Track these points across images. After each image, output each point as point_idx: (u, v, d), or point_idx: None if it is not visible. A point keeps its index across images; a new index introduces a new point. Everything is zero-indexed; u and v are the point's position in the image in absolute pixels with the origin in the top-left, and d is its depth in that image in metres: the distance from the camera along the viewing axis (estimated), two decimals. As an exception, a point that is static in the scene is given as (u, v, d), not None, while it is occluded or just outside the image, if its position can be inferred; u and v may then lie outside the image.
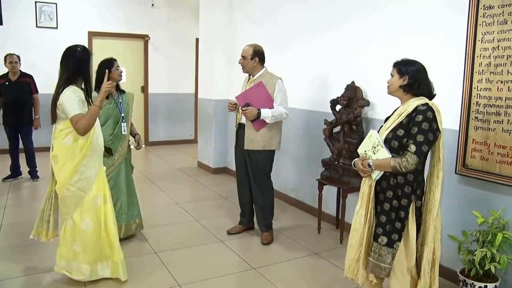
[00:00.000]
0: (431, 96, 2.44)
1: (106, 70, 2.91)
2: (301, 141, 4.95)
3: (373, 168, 2.40)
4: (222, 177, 6.54)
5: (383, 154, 2.37)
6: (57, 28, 7.77)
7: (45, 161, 6.57)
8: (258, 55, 3.84)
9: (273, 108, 3.77)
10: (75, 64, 2.87)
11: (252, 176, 3.95)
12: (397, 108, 2.51)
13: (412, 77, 2.39)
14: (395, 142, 2.37)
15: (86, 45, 7.83)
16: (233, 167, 6.52)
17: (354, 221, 2.53)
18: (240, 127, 3.93)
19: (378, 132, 2.45)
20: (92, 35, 8.04)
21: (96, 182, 2.96)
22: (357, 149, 2.61)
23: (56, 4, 7.71)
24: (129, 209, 3.83)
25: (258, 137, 3.80)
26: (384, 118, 2.60)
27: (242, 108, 3.72)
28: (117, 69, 3.65)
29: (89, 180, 2.93)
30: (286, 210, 4.92)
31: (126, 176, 3.81)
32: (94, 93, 3.58)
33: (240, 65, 3.92)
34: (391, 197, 2.41)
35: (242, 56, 3.86)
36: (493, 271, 2.74)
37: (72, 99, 2.80)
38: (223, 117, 6.64)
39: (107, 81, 2.94)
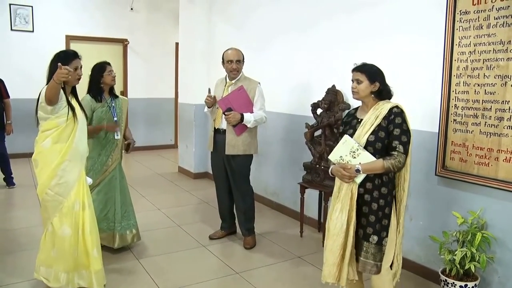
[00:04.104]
0: (391, 97, 2.58)
1: (59, 64, 2.63)
2: (282, 145, 4.96)
3: (361, 172, 2.41)
4: (203, 182, 6.50)
5: (367, 157, 2.40)
6: (33, 31, 7.63)
7: (21, 168, 6.48)
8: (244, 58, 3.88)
9: (252, 112, 3.78)
10: (53, 68, 2.77)
11: (233, 181, 3.93)
12: (356, 112, 2.62)
13: (382, 84, 2.52)
14: (379, 144, 2.43)
15: (64, 49, 7.82)
16: (214, 171, 6.51)
17: (333, 226, 2.49)
18: (218, 132, 3.88)
19: (352, 137, 2.47)
20: (69, 39, 7.92)
21: (75, 187, 2.89)
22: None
23: (32, 7, 7.56)
24: (124, 218, 3.72)
25: (239, 142, 3.78)
26: (342, 123, 2.69)
27: (225, 113, 3.69)
28: (110, 74, 3.60)
29: (68, 185, 2.85)
30: (268, 214, 4.92)
31: (120, 183, 3.72)
32: (87, 96, 3.55)
33: (234, 70, 3.80)
34: (378, 196, 2.46)
35: (238, 60, 3.79)
36: (473, 270, 2.79)
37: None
38: (204, 122, 6.61)
39: (62, 73, 2.58)
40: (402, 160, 2.40)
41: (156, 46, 8.78)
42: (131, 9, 8.41)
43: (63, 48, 7.76)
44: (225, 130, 3.81)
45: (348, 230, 2.47)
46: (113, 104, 3.65)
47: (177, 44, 8.04)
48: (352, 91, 2.56)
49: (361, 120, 2.52)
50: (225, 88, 3.89)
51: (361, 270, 2.52)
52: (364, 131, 2.46)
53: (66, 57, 2.83)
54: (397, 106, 2.46)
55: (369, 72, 2.52)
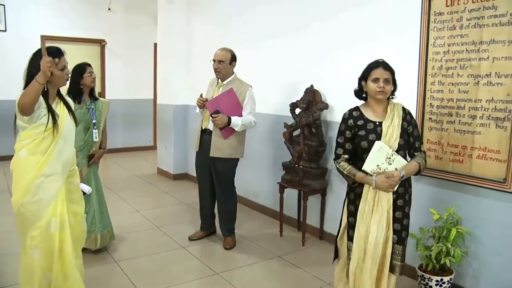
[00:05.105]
0: None
1: (43, 41, 2.47)
2: (262, 145, 4.97)
3: (404, 178, 2.40)
4: (182, 183, 6.46)
5: (400, 162, 2.39)
6: (5, 30, 7.43)
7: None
8: (235, 59, 3.82)
9: (241, 115, 3.75)
10: (32, 69, 2.47)
11: (217, 182, 3.92)
12: (361, 112, 2.50)
13: (395, 83, 2.50)
14: (407, 146, 2.47)
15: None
16: (193, 173, 6.46)
17: (373, 239, 2.38)
18: (205, 133, 3.85)
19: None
20: (45, 39, 7.76)
21: (52, 205, 2.48)
22: (363, 167, 2.40)
23: (4, 5, 7.37)
24: (102, 219, 3.70)
25: (225, 145, 3.75)
26: (348, 126, 2.50)
27: (212, 115, 3.64)
28: (90, 75, 3.53)
29: (42, 204, 2.45)
30: (248, 214, 4.92)
31: (96, 184, 3.68)
32: (67, 98, 3.40)
33: (215, 70, 3.77)
34: (408, 199, 2.51)
35: (219, 60, 3.73)
36: (448, 265, 2.86)
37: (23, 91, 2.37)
38: (183, 123, 6.58)
39: (47, 61, 2.29)
40: (426, 159, 2.49)
41: (134, 46, 8.68)
42: (109, 9, 8.30)
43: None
44: (211, 131, 3.77)
45: (387, 240, 2.42)
46: (92, 107, 3.60)
47: (155, 44, 7.97)
48: (379, 92, 2.40)
49: (379, 122, 2.43)
50: (216, 89, 3.85)
51: (397, 274, 2.52)
52: (395, 135, 2.39)
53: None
54: (403, 105, 2.50)
55: (393, 71, 2.46)
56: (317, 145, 3.97)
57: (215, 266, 3.56)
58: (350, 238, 2.54)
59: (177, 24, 6.44)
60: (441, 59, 3.06)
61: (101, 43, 8.36)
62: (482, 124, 2.85)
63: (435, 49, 3.10)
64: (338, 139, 2.55)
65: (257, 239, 4.18)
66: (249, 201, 5.17)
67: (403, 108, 2.48)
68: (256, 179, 5.09)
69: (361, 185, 2.46)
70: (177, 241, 4.08)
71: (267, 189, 4.88)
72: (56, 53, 2.44)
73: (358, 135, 2.45)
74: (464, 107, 2.95)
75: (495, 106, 2.78)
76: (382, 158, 2.36)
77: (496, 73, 2.76)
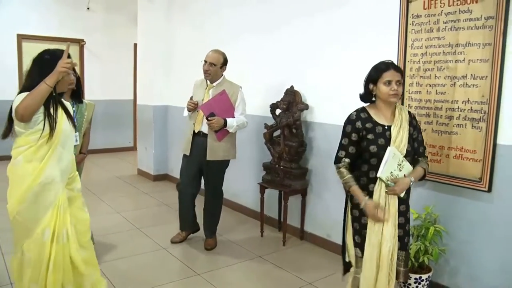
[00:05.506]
0: None
1: (68, 43, 2.34)
2: (242, 145, 4.96)
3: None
4: (162, 184, 6.42)
5: (408, 168, 2.37)
6: (-20, 29, 7.29)
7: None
8: (226, 63, 3.77)
9: (234, 117, 3.73)
10: (35, 72, 2.36)
11: (207, 184, 3.90)
12: (369, 115, 2.40)
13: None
14: (412, 152, 2.42)
15: (15, 49, 7.51)
16: (174, 174, 6.44)
17: (386, 243, 2.34)
18: (198, 135, 3.75)
19: (387, 147, 2.33)
20: (21, 38, 7.62)
21: (49, 214, 2.37)
22: (377, 174, 2.32)
23: (-21, 4, 7.24)
24: None
25: (220, 147, 3.72)
26: (355, 129, 2.38)
27: (209, 118, 3.58)
28: (69, 75, 3.39)
29: (38, 211, 2.36)
30: (229, 215, 4.92)
31: None
32: (65, 102, 3.27)
33: (205, 71, 3.70)
34: (409, 205, 2.49)
35: (211, 63, 3.66)
36: (427, 263, 2.91)
37: (23, 95, 2.25)
38: (163, 123, 6.54)
39: (67, 62, 2.23)
40: (428, 164, 2.48)
41: (114, 46, 8.58)
42: (88, 8, 8.19)
43: (15, 47, 7.49)
44: (206, 133, 3.70)
45: (394, 247, 2.38)
46: (73, 109, 3.53)
47: (135, 45, 7.90)
48: (393, 95, 2.32)
49: (388, 127, 2.37)
50: (206, 91, 3.77)
51: (402, 281, 2.51)
52: (404, 141, 2.34)
53: (57, 59, 2.26)
54: (408, 109, 2.49)
55: (402, 72, 2.40)
56: (297, 145, 3.99)
57: (196, 267, 3.55)
58: (357, 245, 2.45)
59: (157, 24, 6.40)
60: (419, 61, 3.12)
61: (80, 42, 8.25)
62: (458, 124, 2.92)
63: (413, 51, 3.16)
64: (342, 141, 2.42)
65: (238, 240, 4.18)
66: (230, 202, 5.16)
67: (409, 112, 2.44)
68: (237, 179, 5.09)
69: (365, 188, 2.38)
70: (158, 242, 4.05)
71: (248, 190, 4.88)
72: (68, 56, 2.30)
73: (366, 139, 2.35)
74: (441, 108, 3.01)
75: (471, 107, 2.85)
76: (395, 164, 2.31)
77: (471, 75, 2.83)
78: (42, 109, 2.27)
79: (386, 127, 2.36)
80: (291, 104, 4.06)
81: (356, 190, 2.36)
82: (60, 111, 2.40)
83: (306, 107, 4.00)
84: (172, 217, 4.73)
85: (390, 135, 2.35)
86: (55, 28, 7.88)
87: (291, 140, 4.04)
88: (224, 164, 3.87)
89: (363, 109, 2.44)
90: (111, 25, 8.49)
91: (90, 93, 8.41)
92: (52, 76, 2.19)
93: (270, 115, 4.29)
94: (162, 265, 3.60)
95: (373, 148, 2.33)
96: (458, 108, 2.91)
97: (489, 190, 2.80)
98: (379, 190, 2.34)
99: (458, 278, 3.01)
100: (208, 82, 3.77)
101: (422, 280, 2.91)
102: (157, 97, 6.51)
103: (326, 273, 3.48)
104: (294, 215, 4.22)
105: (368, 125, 2.36)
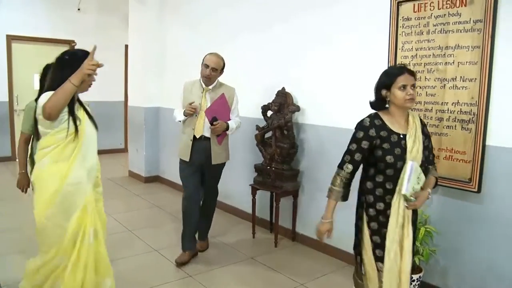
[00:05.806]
0: None
1: (95, 45, 2.37)
2: (234, 147, 4.96)
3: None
4: (154, 186, 6.40)
5: (423, 178, 2.25)
6: (-33, 29, 7.21)
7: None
8: (224, 67, 3.69)
9: (229, 119, 3.70)
10: (57, 73, 2.39)
11: (209, 187, 3.88)
12: (383, 122, 2.27)
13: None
14: (425, 162, 2.28)
15: (4, 50, 7.44)
16: (165, 175, 6.43)
17: (404, 255, 2.24)
18: (200, 139, 3.62)
19: (403, 157, 2.22)
20: (11, 39, 7.55)
21: (78, 216, 2.37)
22: (400, 191, 2.19)
23: (-32, 5, 7.16)
24: None
25: (221, 150, 3.71)
26: (369, 137, 2.25)
27: (213, 123, 3.50)
28: None
29: (68, 213, 2.35)
30: (221, 216, 4.91)
31: None
32: (32, 102, 3.13)
33: (206, 76, 3.57)
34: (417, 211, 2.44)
35: (214, 68, 3.55)
36: (418, 263, 2.93)
37: (48, 94, 2.25)
38: (154, 125, 6.52)
39: (94, 63, 2.26)
40: (436, 170, 2.42)
41: (105, 48, 8.42)
42: (78, 9, 8.15)
43: (4, 49, 7.42)
44: (209, 137, 3.62)
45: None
46: None
47: (126, 46, 7.88)
48: (409, 99, 2.21)
49: (403, 135, 2.24)
50: (203, 94, 3.64)
51: None
52: (420, 151, 2.22)
53: (77, 59, 2.29)
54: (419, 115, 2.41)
55: (416, 76, 2.30)
56: (289, 147, 4.01)
57: (188, 269, 3.54)
58: (378, 258, 2.28)
59: (149, 26, 6.38)
60: (409, 63, 3.14)
61: (70, 43, 8.19)
62: (448, 126, 2.95)
63: (403, 53, 3.19)
64: (350, 146, 2.28)
65: (230, 241, 4.18)
66: (222, 204, 5.16)
67: (420, 119, 2.33)
68: (229, 181, 5.08)
69: (381, 200, 2.25)
70: (149, 244, 4.03)
71: (240, 191, 4.88)
72: (85, 58, 2.29)
73: (381, 148, 2.21)
74: (431, 109, 3.04)
75: (461, 109, 2.88)
76: (415, 179, 2.18)
77: (461, 77, 2.87)
78: (66, 109, 2.28)
79: (401, 136, 2.23)
80: (282, 106, 4.08)
81: (331, 203, 2.31)
82: (82, 111, 2.45)
83: (298, 108, 4.02)
84: (163, 219, 4.72)
85: (405, 144, 2.22)
86: (46, 29, 7.82)
87: (282, 141, 4.05)
88: (223, 166, 3.87)
89: (376, 115, 2.30)
90: (102, 26, 8.44)
91: (80, 95, 8.35)
92: (77, 75, 2.21)
93: (262, 117, 4.30)
94: (154, 267, 3.59)
95: (389, 158, 2.19)
96: (448, 109, 2.95)
97: (479, 190, 2.84)
98: (397, 202, 2.21)
99: (449, 278, 3.04)
100: (203, 85, 3.66)
101: (413, 281, 2.93)
102: (149, 98, 6.49)
103: (318, 274, 3.50)
104: (285, 216, 4.23)
105: (382, 133, 2.23)
